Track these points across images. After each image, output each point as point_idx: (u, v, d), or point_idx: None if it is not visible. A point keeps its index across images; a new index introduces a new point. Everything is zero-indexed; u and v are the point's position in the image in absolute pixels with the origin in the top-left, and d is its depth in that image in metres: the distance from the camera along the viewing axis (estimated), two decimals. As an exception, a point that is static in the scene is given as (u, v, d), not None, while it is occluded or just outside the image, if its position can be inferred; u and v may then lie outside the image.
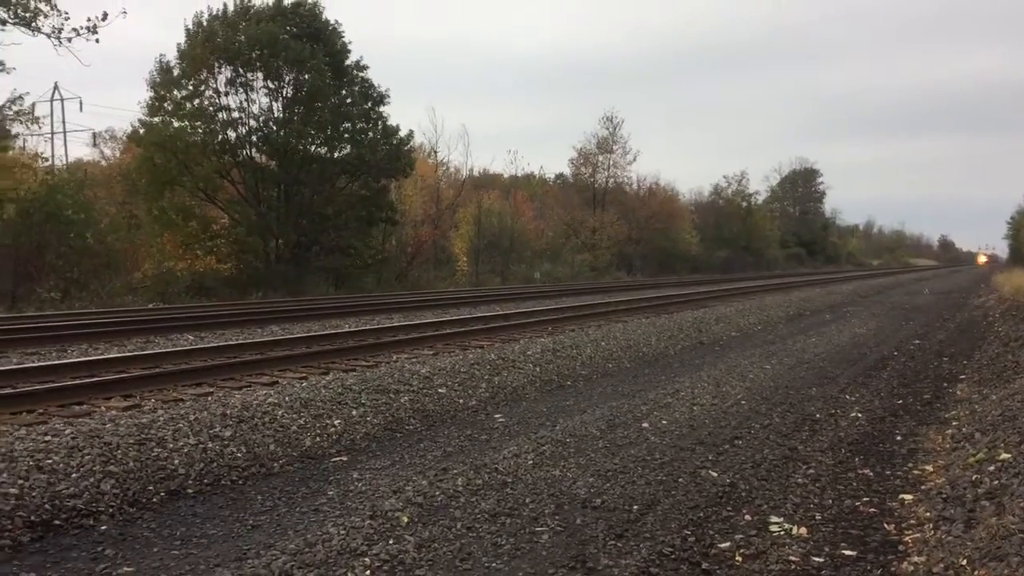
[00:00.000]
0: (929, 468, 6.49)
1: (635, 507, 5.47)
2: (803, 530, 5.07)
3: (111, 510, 5.45)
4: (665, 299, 24.65)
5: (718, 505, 5.53)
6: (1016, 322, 17.57)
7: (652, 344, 14.17)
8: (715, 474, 6.23)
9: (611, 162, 56.96)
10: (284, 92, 30.31)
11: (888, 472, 6.46)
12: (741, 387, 10.07)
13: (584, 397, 9.69)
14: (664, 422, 8.06)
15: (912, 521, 5.26)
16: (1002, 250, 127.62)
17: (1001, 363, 11.53)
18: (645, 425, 7.93)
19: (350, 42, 31.60)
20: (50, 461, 5.76)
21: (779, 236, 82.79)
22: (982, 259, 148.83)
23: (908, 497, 5.77)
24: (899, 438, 7.66)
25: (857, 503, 5.66)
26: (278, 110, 30.40)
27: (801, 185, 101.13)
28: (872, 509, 5.54)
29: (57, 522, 5.19)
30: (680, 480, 6.07)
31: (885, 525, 5.23)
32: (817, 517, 5.34)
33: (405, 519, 5.21)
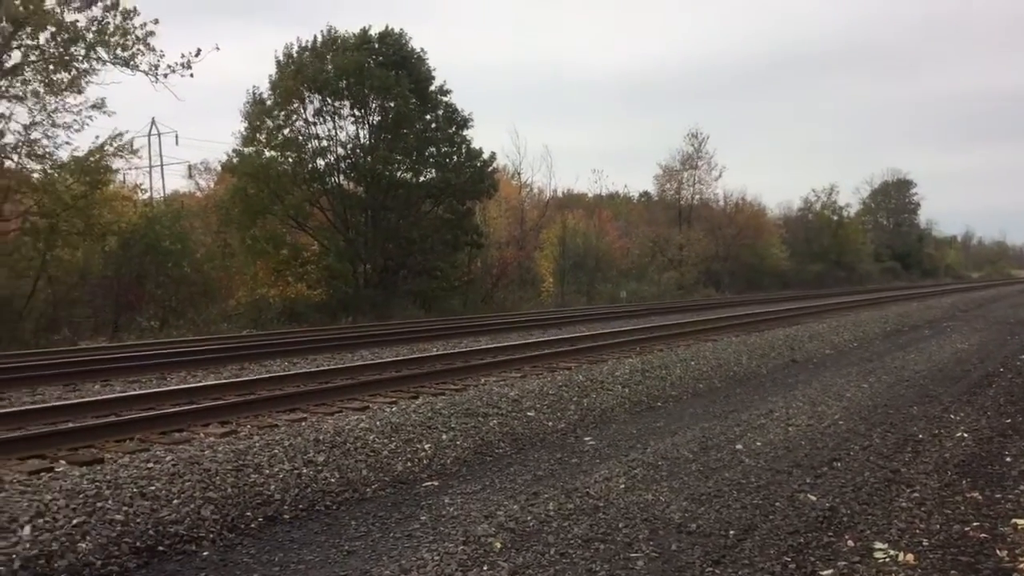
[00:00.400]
0: (1043, 491, 6.18)
1: (732, 532, 5.34)
2: (910, 557, 4.87)
3: (211, 535, 5.57)
4: (755, 316, 24.21)
5: (818, 530, 5.36)
6: None
7: (743, 363, 13.91)
8: (814, 498, 6.05)
9: (696, 178, 56.36)
10: (370, 119, 30.90)
11: (999, 495, 6.18)
12: (838, 407, 9.78)
13: (675, 418, 9.55)
14: (758, 444, 7.88)
15: (1027, 548, 5.01)
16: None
17: (1117, 378, 10.96)
18: (739, 447, 7.76)
19: (434, 68, 32.06)
20: (153, 488, 5.92)
21: (872, 249, 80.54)
22: None
23: (1021, 522, 5.50)
24: (1009, 459, 7.33)
25: (966, 528, 5.42)
26: (364, 137, 30.99)
27: (894, 196, 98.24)
28: (983, 535, 5.30)
29: (161, 548, 5.32)
30: (777, 504, 5.91)
31: (998, 551, 4.99)
32: (924, 543, 5.13)
33: (498, 545, 5.19)
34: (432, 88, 31.94)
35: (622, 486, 6.46)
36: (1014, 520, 5.55)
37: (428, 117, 31.82)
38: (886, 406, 9.86)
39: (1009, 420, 9.09)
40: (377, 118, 30.88)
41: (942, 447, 7.74)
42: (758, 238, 59.24)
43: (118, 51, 21.09)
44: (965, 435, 8.26)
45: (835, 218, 75.23)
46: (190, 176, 49.38)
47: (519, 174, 46.34)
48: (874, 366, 13.68)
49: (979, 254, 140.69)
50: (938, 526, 5.46)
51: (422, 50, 31.84)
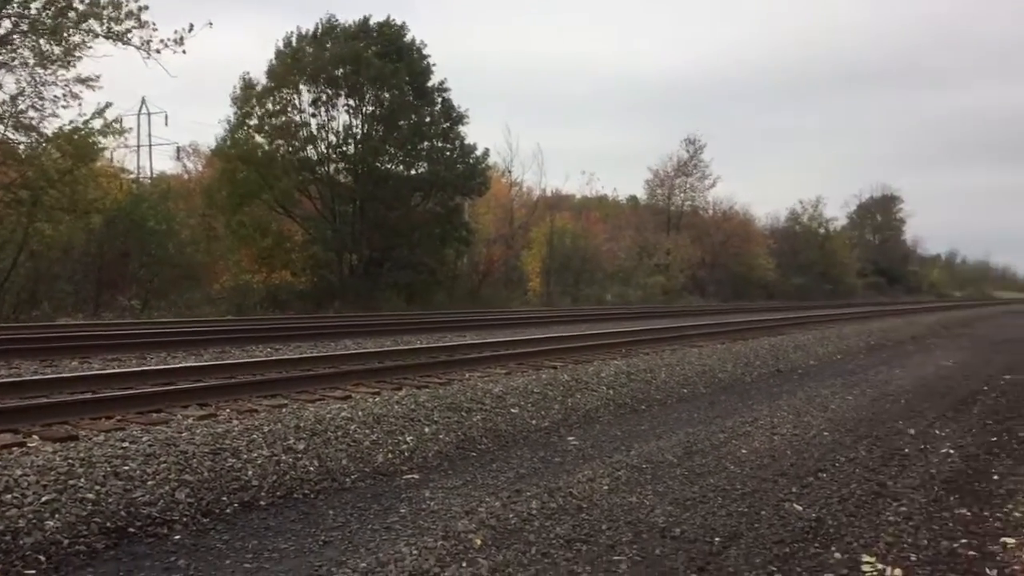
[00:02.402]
0: (1032, 511, 6.12)
1: (717, 539, 5.24)
2: (898, 571, 4.78)
3: (185, 519, 5.43)
4: (740, 325, 24.16)
5: (805, 541, 5.27)
6: (1115, 359, 16.76)
7: (728, 370, 13.85)
8: (800, 508, 5.96)
9: (689, 185, 56.34)
10: (364, 110, 30.71)
11: (986, 513, 6.10)
12: (823, 417, 9.72)
13: (659, 422, 9.46)
14: (743, 451, 7.79)
15: (1016, 567, 4.93)
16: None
17: (1103, 402, 10.95)
18: (724, 453, 7.67)
19: (434, 64, 31.88)
20: (127, 468, 5.77)
21: (858, 264, 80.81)
22: None
23: (1010, 541, 5.42)
24: (996, 477, 7.26)
25: (955, 545, 5.34)
26: (357, 127, 30.80)
27: (881, 212, 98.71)
28: (972, 552, 5.22)
29: (132, 530, 5.18)
30: (763, 512, 5.82)
31: (987, 570, 4.91)
32: (912, 558, 5.05)
33: (478, 541, 5.08)
34: (430, 83, 31.78)
35: (605, 487, 6.36)
36: (1003, 539, 5.48)
37: (424, 111, 31.65)
38: (871, 419, 9.80)
39: (995, 438, 9.04)
40: (372, 109, 30.71)
41: (928, 462, 7.67)
42: (745, 247, 59.38)
43: (112, 25, 20.80)
44: (951, 451, 8.20)
45: (822, 231, 75.56)
46: (178, 158, 48.82)
47: (509, 172, 46.30)
48: (858, 379, 13.64)
49: (962, 274, 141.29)
50: (926, 541, 5.38)
51: (422, 42, 31.71)
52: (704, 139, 56.36)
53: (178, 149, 48.17)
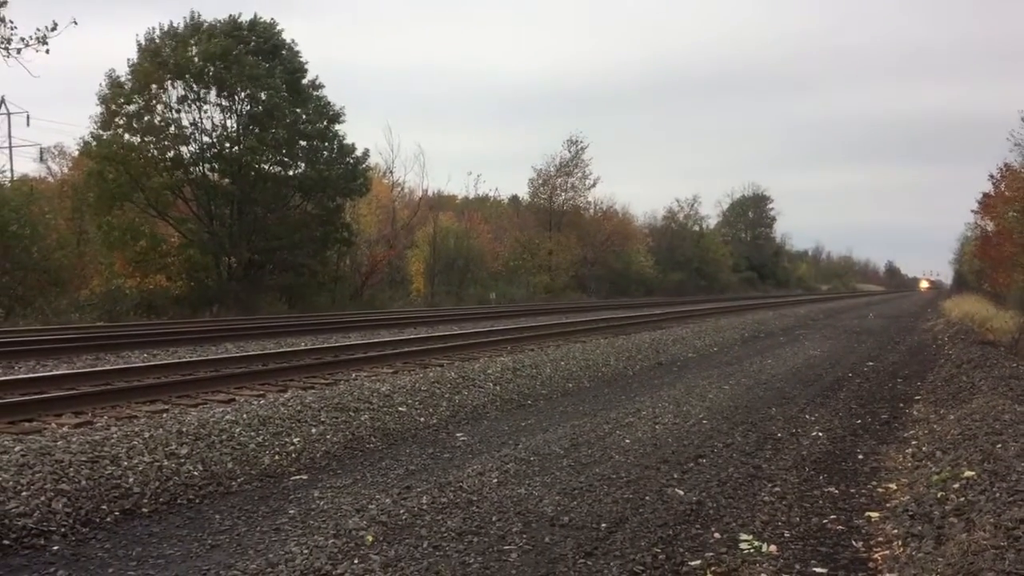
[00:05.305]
0: (893, 486, 6.53)
1: (603, 525, 5.40)
2: (773, 547, 5.04)
3: (63, 529, 5.25)
4: (621, 320, 24.73)
5: (686, 523, 5.49)
6: (966, 345, 17.91)
7: (611, 364, 14.17)
8: (681, 492, 6.19)
9: (570, 184, 57.08)
10: (238, 109, 29.97)
11: (852, 490, 6.48)
12: (701, 406, 10.08)
13: (545, 416, 9.63)
14: (627, 441, 8.02)
15: (880, 538, 5.27)
16: (946, 275, 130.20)
17: (956, 384, 11.71)
18: (609, 444, 7.88)
19: (307, 61, 31.40)
20: (-2, 479, 5.53)
21: (731, 260, 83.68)
22: (924, 284, 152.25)
23: (874, 515, 5.78)
24: (861, 457, 7.71)
25: (824, 520, 5.66)
26: (232, 127, 30.04)
27: (752, 210, 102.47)
28: (839, 526, 5.54)
29: (7, 542, 4.97)
30: (647, 498, 6.02)
31: (854, 542, 5.23)
32: (786, 534, 5.32)
33: (370, 538, 5.08)
34: (305, 81, 31.29)
35: (495, 481, 6.45)
36: (868, 513, 5.83)
37: (299, 110, 31.11)
38: (746, 407, 10.22)
39: (859, 421, 9.58)
40: (247, 108, 30.00)
41: (799, 445, 8.07)
42: (625, 245, 60.66)
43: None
44: (820, 434, 8.65)
45: (697, 229, 77.92)
46: (42, 160, 46.48)
47: (391, 172, 46.01)
48: (734, 369, 14.18)
49: (828, 268, 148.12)
50: (798, 519, 5.68)
51: (293, 41, 31.21)
52: (586, 140, 57.01)
53: (42, 151, 45.89)
